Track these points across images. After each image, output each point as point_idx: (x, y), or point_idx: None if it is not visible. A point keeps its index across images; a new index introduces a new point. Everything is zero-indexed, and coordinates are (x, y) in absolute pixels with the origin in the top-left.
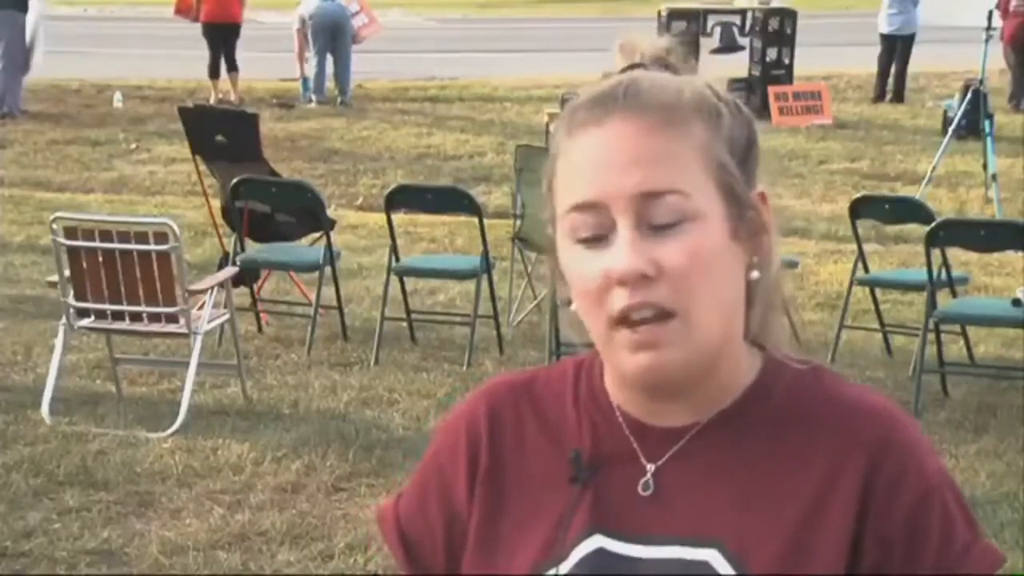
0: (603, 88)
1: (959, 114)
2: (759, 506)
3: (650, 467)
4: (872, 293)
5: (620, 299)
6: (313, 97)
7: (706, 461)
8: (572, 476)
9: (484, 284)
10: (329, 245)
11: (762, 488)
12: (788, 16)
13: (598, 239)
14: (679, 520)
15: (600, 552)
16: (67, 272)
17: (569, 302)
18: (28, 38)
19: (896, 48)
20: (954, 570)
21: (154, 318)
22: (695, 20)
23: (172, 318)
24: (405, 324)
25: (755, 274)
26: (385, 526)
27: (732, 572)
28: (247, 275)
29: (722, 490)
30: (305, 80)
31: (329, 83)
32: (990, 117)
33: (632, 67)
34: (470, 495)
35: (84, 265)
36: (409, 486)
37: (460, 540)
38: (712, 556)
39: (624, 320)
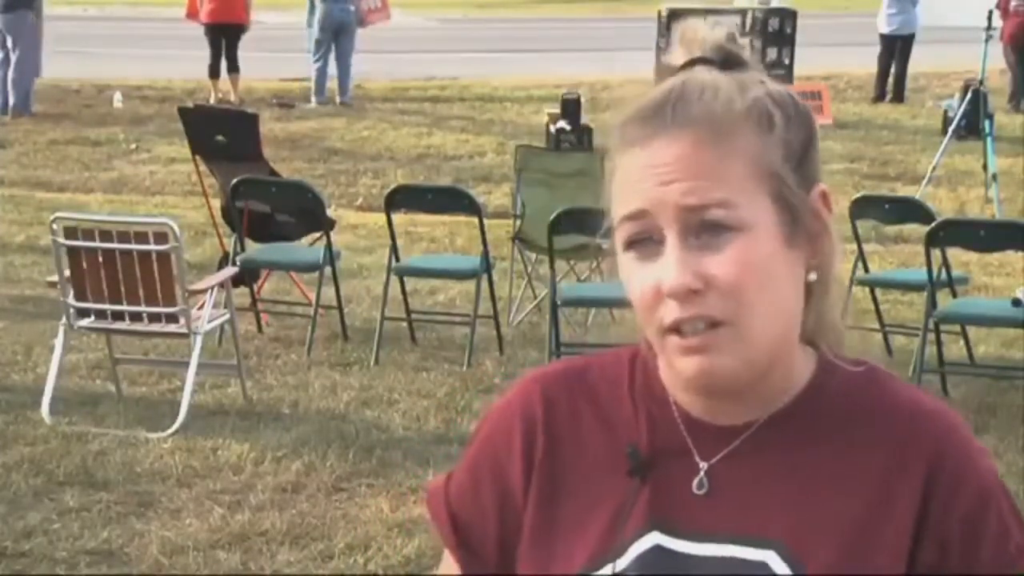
0: (654, 99)
1: (959, 114)
2: (816, 508)
3: (703, 465)
4: (872, 293)
5: (671, 312)
6: (313, 99)
7: (760, 461)
8: (630, 470)
9: (484, 284)
10: (329, 245)
11: (819, 490)
12: (788, 16)
13: (648, 244)
14: (734, 519)
15: (657, 549)
16: (67, 272)
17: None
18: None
19: (896, 48)
20: (1007, 570)
21: (154, 318)
22: None
23: (172, 318)
24: (405, 324)
25: (813, 276)
26: (435, 506)
27: (789, 573)
28: (247, 275)
29: (777, 491)
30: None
31: (330, 83)
32: (990, 117)
33: (692, 62)
34: (526, 481)
35: (84, 265)
36: (460, 468)
37: (513, 525)
38: (770, 557)
39: (675, 330)
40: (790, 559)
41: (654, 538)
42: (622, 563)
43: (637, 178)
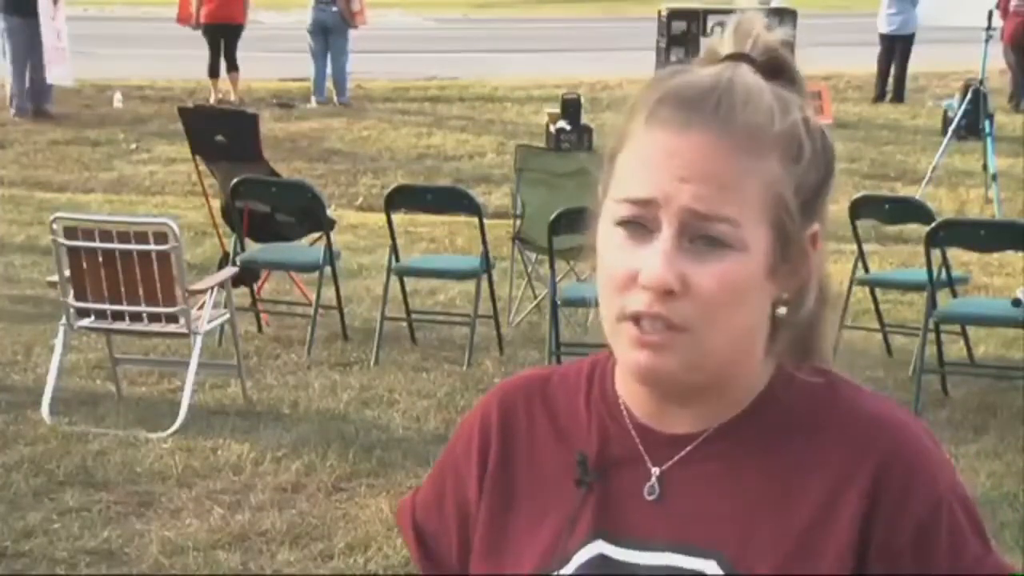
0: (698, 86)
1: (959, 114)
2: (762, 517)
3: (655, 471)
4: (872, 293)
5: (638, 302)
6: (313, 99)
7: (710, 470)
8: (577, 479)
9: (484, 284)
10: (329, 245)
11: (766, 499)
12: (788, 16)
13: (642, 230)
14: (680, 528)
15: (600, 558)
16: (67, 272)
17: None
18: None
19: (896, 48)
20: None
21: (154, 318)
22: (695, 20)
23: (172, 318)
24: (405, 324)
25: (782, 310)
26: (402, 521)
27: None
28: (247, 275)
29: (725, 500)
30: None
31: (328, 83)
32: (990, 117)
33: (738, 56)
34: (479, 492)
35: (84, 265)
36: (426, 482)
37: (471, 536)
38: (710, 567)
39: (634, 320)
40: (730, 569)
41: (598, 547)
42: (566, 572)
43: (656, 162)
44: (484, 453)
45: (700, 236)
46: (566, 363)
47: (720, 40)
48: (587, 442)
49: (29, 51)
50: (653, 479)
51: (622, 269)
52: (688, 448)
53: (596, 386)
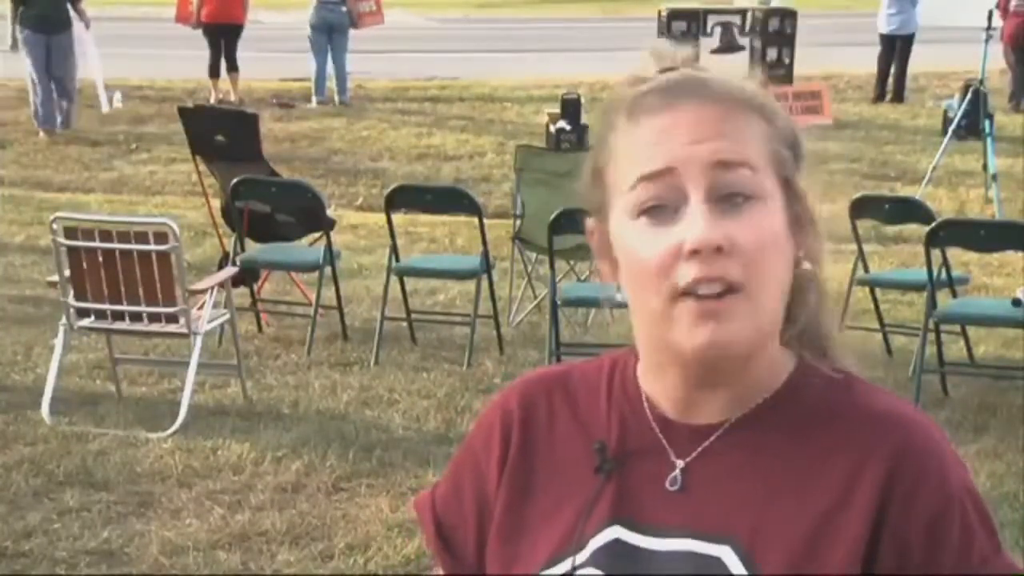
0: (665, 80)
1: (959, 114)
2: (778, 506)
3: (679, 463)
4: (872, 293)
5: (690, 271)
6: (314, 99)
7: (732, 460)
8: (596, 467)
9: (484, 284)
10: (329, 245)
11: (782, 489)
12: (788, 16)
13: (665, 211)
14: (699, 515)
15: (616, 543)
16: (67, 272)
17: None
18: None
19: (896, 48)
20: None
21: (154, 318)
22: (695, 20)
23: (172, 318)
24: (405, 324)
25: (806, 265)
26: (422, 515)
27: (743, 568)
28: (247, 275)
29: (744, 489)
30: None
31: (329, 83)
32: (990, 117)
33: (669, 70)
34: (499, 484)
35: (84, 265)
36: (445, 476)
37: (489, 527)
38: (724, 552)
39: (690, 293)
40: (745, 555)
41: (614, 532)
42: (582, 557)
43: (657, 140)
44: (505, 445)
45: (725, 194)
46: (584, 360)
47: (644, 67)
48: (606, 433)
49: (45, 67)
50: (677, 471)
51: (657, 252)
52: (711, 438)
53: (617, 382)
